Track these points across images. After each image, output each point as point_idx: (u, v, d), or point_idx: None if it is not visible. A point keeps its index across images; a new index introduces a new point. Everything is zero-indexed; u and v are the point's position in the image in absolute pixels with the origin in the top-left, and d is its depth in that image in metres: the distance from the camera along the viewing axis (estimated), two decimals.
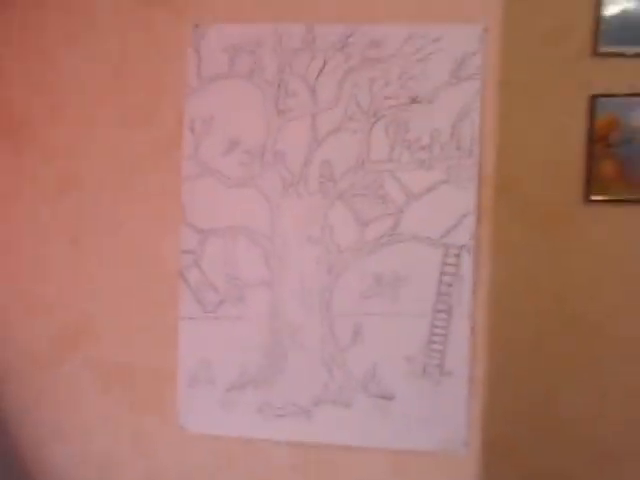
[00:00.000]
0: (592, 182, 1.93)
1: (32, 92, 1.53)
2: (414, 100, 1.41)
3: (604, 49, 1.90)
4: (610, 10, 1.88)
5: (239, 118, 1.46)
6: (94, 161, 1.53)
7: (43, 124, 1.54)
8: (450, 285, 1.40)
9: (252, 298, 1.47)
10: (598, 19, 1.90)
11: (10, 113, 1.53)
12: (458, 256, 1.40)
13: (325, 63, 1.44)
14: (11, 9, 1.50)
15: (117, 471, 1.53)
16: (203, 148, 1.48)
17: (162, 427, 1.51)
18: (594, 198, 1.92)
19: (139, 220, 1.52)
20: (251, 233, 1.46)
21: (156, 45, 1.49)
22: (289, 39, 1.44)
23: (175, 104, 1.49)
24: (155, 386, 1.52)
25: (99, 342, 1.54)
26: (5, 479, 1.48)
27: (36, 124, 1.53)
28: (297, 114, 1.45)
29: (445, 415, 1.41)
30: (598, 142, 1.93)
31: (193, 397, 1.49)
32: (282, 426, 1.46)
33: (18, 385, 1.55)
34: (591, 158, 1.93)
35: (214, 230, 1.48)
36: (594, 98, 1.91)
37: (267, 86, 1.45)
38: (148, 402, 1.52)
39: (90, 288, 1.54)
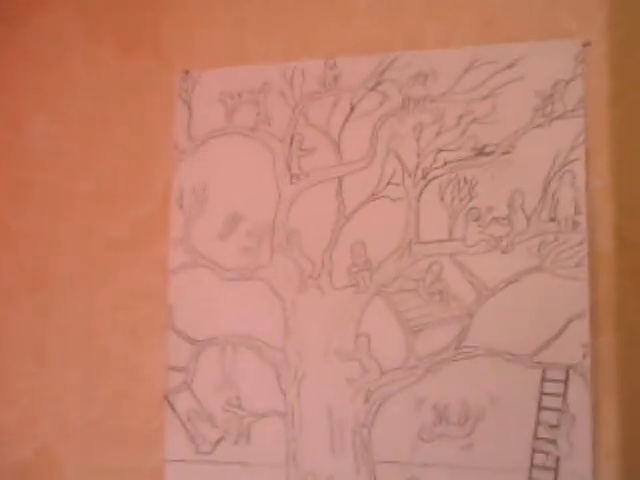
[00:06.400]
0: None
1: None
2: (481, 151, 0.85)
3: None
4: None
5: (240, 187, 1.00)
6: (64, 252, 1.07)
7: (4, 206, 1.08)
8: (555, 427, 0.79)
9: (261, 434, 0.95)
10: None
11: None
12: (564, 382, 0.79)
13: (353, 108, 0.95)
14: None
15: None
16: (195, 229, 1.00)
17: None
18: None
19: (115, 329, 1.05)
20: (258, 344, 0.96)
21: (138, 101, 1.04)
22: (303, 80, 0.96)
23: (161, 173, 1.04)
24: None
25: None
26: None
27: None
28: (316, 178, 0.96)
29: None
30: None
31: None
32: None
33: None
34: None
35: (210, 340, 0.99)
36: None
37: (276, 142, 0.96)
38: None
39: (56, 416, 1.06)
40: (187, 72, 1.06)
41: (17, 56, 1.15)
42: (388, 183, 0.95)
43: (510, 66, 0.90)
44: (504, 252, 0.88)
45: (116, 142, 1.11)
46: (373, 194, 0.96)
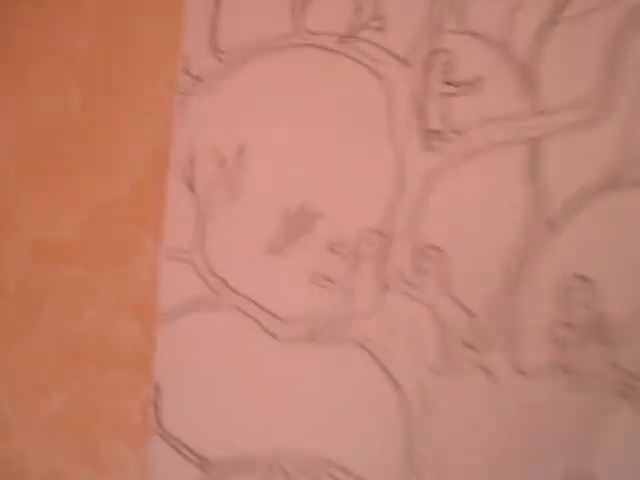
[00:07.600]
0: None
1: None
2: None
3: None
4: None
5: (316, 154, 0.40)
6: None
7: None
8: None
9: None
10: None
11: None
12: None
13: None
14: None
15: None
16: (218, 233, 0.42)
17: None
18: None
19: (42, 427, 0.40)
20: (344, 478, 0.34)
21: None
22: None
23: (151, 123, 0.42)
24: None
25: None
26: None
27: None
28: (482, 141, 0.41)
29: None
30: None
31: None
32: None
33: None
34: None
35: (237, 462, 0.41)
36: None
37: (395, 66, 0.46)
38: None
39: None
40: None
41: None
42: None
43: None
44: None
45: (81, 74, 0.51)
46: (611, 178, 0.40)
